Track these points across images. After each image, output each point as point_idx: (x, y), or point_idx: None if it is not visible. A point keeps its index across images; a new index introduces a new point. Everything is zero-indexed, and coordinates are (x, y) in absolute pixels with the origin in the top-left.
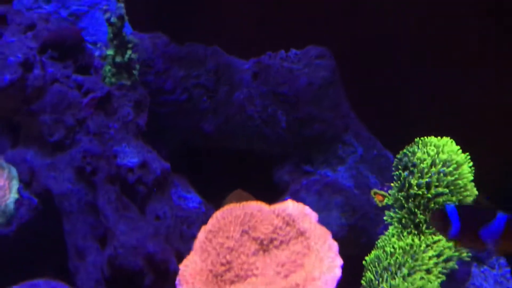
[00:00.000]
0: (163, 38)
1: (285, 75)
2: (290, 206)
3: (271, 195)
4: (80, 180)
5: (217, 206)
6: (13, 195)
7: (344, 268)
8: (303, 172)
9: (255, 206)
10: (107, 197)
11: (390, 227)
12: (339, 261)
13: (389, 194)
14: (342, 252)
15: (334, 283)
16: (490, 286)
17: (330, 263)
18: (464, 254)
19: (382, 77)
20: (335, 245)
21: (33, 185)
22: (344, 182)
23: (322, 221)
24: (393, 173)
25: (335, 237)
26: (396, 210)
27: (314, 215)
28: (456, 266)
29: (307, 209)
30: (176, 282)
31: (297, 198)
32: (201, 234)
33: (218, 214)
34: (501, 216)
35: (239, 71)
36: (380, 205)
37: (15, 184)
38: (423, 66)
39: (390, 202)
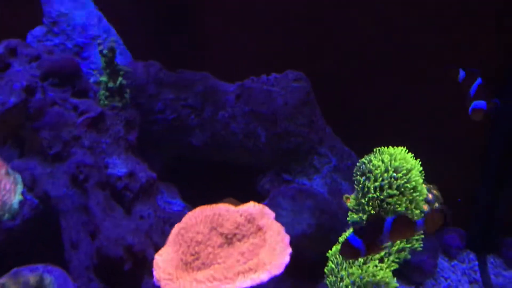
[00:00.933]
0: (156, 65)
1: (264, 97)
2: (251, 206)
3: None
4: (74, 186)
5: None
6: (18, 197)
7: (315, 261)
8: (283, 180)
9: (223, 207)
10: (96, 200)
11: (351, 227)
12: (288, 250)
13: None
14: (313, 248)
15: (282, 267)
16: (457, 277)
17: (280, 251)
18: (416, 245)
19: (357, 96)
20: (286, 237)
21: (34, 189)
22: (319, 188)
23: (294, 220)
24: (353, 179)
25: (304, 233)
26: (356, 210)
27: (271, 214)
28: (409, 256)
29: (266, 209)
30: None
31: (275, 203)
32: (175, 230)
33: (190, 213)
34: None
35: (225, 93)
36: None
37: (19, 188)
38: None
39: (353, 204)
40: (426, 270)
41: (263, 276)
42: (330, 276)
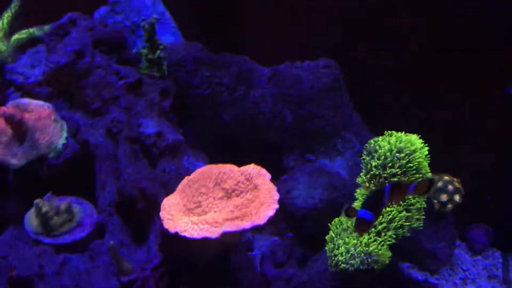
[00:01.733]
0: (197, 45)
1: (293, 80)
2: (251, 167)
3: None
4: (108, 137)
5: None
6: (62, 140)
7: (324, 233)
8: (306, 160)
9: (229, 166)
10: (123, 150)
11: (356, 201)
12: (274, 206)
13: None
14: (323, 221)
15: (265, 219)
16: (477, 271)
17: (267, 206)
18: (415, 224)
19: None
20: (276, 196)
21: (77, 136)
22: (339, 170)
23: (308, 194)
24: (361, 158)
25: (315, 206)
26: (362, 188)
27: (267, 175)
28: (408, 234)
29: (263, 170)
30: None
31: (293, 177)
32: (184, 181)
33: (200, 169)
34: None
35: (258, 76)
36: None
37: (64, 134)
38: None
39: (360, 182)
40: (441, 258)
41: (246, 224)
42: (329, 243)
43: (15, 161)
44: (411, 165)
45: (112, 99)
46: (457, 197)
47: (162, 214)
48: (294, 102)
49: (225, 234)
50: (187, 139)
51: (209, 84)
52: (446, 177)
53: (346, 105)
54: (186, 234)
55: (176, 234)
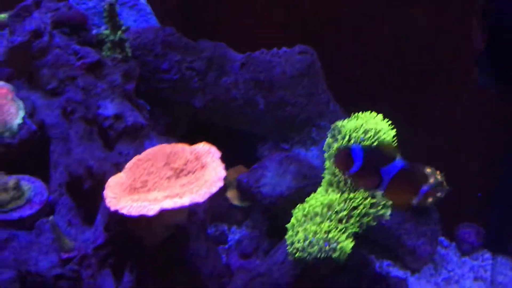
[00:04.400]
0: (168, 29)
1: (265, 65)
2: (201, 146)
3: None
4: (63, 117)
5: None
6: (18, 120)
7: None
8: (280, 149)
9: (181, 146)
10: (76, 130)
11: (319, 187)
12: (219, 184)
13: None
14: (290, 209)
15: (205, 196)
16: (462, 271)
17: (210, 184)
18: (382, 212)
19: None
20: (221, 173)
21: (34, 116)
22: (313, 159)
23: (277, 182)
24: (325, 142)
25: (282, 194)
26: (325, 172)
27: (216, 154)
28: (373, 223)
29: (212, 149)
30: None
31: (262, 165)
32: (133, 160)
33: (150, 149)
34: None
35: (232, 61)
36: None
37: (21, 113)
38: None
39: (326, 166)
40: (421, 255)
41: (185, 201)
42: (290, 231)
43: None
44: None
45: (69, 79)
46: (439, 191)
47: (106, 192)
48: (265, 88)
49: (165, 213)
50: (157, 125)
51: (178, 68)
52: (428, 170)
53: (322, 92)
54: (125, 211)
55: (116, 212)
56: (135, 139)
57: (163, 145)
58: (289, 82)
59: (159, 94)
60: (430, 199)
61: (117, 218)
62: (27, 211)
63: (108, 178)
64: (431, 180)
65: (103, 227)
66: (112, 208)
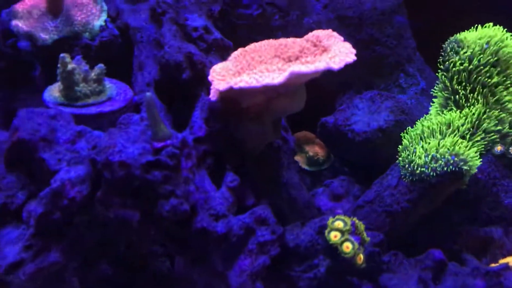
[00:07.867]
0: None
1: (353, 1)
2: (319, 31)
3: None
4: (152, 20)
5: None
6: (100, 22)
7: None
8: None
9: (289, 39)
10: (169, 28)
11: (431, 109)
12: (353, 57)
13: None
14: (389, 144)
15: (341, 64)
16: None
17: (345, 54)
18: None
19: None
20: (354, 50)
21: (117, 20)
22: None
23: (370, 118)
24: (440, 56)
25: (380, 127)
26: (440, 92)
27: (340, 37)
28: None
29: (335, 33)
30: None
31: (351, 104)
32: (237, 51)
33: (254, 44)
34: None
35: (314, 1)
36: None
37: (103, 16)
38: None
39: (440, 85)
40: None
41: (319, 65)
42: (404, 152)
43: (45, 36)
44: (503, 51)
45: None
46: None
47: (212, 76)
48: (353, 25)
49: (286, 92)
50: None
51: (260, 3)
52: None
53: (410, 37)
54: (243, 84)
55: (230, 89)
56: (222, 57)
57: (268, 40)
58: (379, 18)
59: (237, 32)
60: None
61: (219, 112)
62: (108, 107)
63: (207, 71)
64: None
65: (203, 120)
66: (223, 87)
